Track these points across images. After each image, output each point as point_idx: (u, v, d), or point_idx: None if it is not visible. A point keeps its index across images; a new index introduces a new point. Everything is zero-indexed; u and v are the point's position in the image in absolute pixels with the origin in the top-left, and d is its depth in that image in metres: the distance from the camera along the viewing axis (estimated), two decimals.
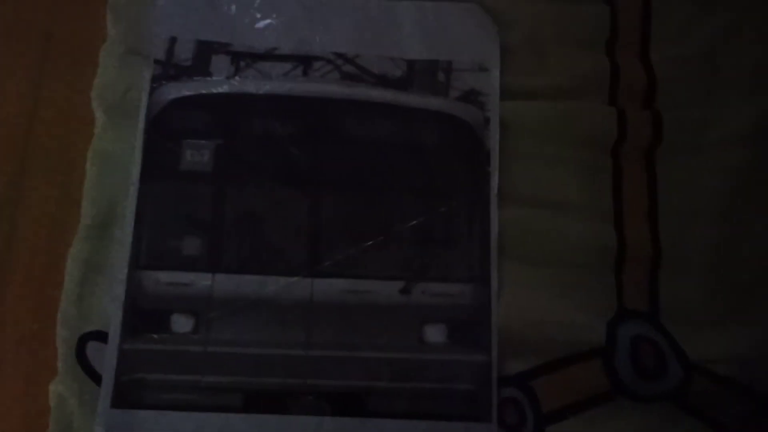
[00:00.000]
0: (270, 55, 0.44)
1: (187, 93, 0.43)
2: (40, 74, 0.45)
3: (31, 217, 0.42)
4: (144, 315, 0.40)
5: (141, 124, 0.42)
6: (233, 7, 0.45)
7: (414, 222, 0.42)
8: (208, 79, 0.43)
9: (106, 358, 0.39)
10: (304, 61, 0.44)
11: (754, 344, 0.40)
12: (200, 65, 0.44)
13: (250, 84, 0.43)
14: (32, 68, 0.45)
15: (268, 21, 0.45)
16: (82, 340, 0.40)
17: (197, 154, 0.42)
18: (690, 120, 0.44)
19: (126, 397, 0.39)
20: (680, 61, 0.45)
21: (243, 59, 0.44)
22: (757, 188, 0.42)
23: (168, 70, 0.43)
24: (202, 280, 0.40)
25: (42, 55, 0.45)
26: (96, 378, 0.39)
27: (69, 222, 0.42)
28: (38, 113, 0.44)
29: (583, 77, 0.45)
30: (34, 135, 0.44)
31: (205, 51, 0.44)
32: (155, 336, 0.39)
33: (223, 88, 0.43)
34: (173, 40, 0.44)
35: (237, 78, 0.43)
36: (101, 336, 0.40)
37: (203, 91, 0.43)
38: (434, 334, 0.40)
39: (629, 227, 0.43)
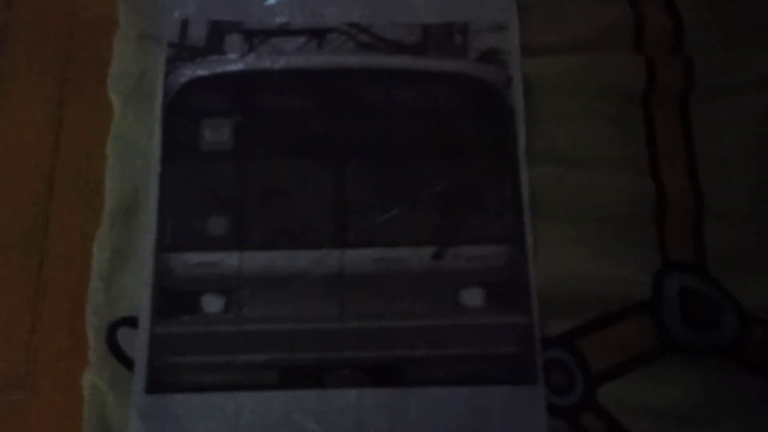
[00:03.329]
0: (283, 31, 0.44)
1: (202, 73, 0.42)
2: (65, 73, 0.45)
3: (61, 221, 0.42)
4: (173, 297, 0.39)
5: (158, 108, 0.42)
6: None
7: (440, 186, 0.41)
8: (223, 58, 0.43)
9: (137, 343, 0.38)
10: (318, 34, 0.44)
11: None
12: (214, 45, 0.43)
13: (265, 60, 0.43)
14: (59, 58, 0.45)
15: None
16: (113, 327, 0.39)
17: (217, 133, 0.41)
18: (721, 63, 0.42)
19: (160, 381, 0.38)
20: (706, 4, 0.43)
21: (256, 36, 0.43)
22: None
23: (182, 52, 0.43)
24: (230, 259, 0.39)
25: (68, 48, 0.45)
26: (129, 365, 0.38)
27: (93, 211, 0.42)
28: (65, 103, 0.44)
29: (605, 28, 0.43)
30: (63, 129, 0.44)
31: (218, 31, 0.43)
32: (186, 318, 0.39)
33: (238, 66, 0.43)
34: (186, 23, 0.43)
35: (251, 55, 0.43)
36: (132, 322, 0.39)
37: (218, 70, 0.42)
38: (471, 297, 0.39)
39: (667, 177, 0.41)
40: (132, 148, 0.42)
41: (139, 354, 0.38)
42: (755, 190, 0.40)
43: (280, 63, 0.43)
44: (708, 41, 0.43)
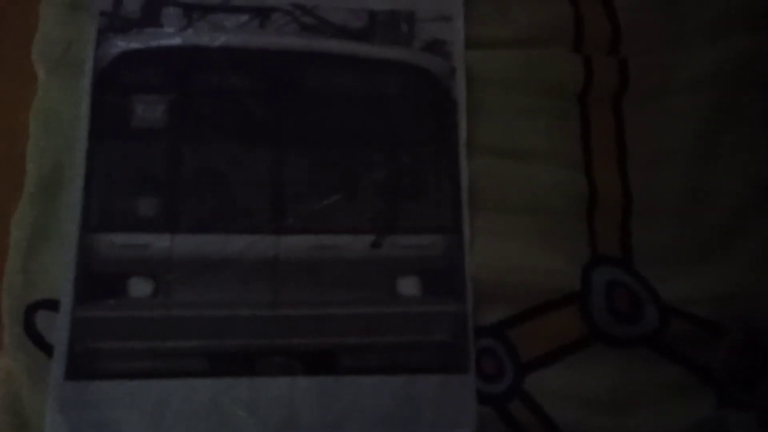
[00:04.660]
0: (224, 7, 0.42)
1: (136, 46, 0.40)
2: None
3: None
4: (98, 280, 0.37)
5: (87, 80, 0.40)
6: None
7: (380, 174, 0.40)
8: (159, 31, 0.41)
9: (57, 327, 0.36)
10: (261, 13, 0.42)
11: (728, 284, 0.40)
12: (150, 17, 0.41)
13: (203, 36, 0.41)
14: None
15: None
16: (30, 310, 0.37)
17: (149, 110, 0.40)
18: (655, 65, 0.44)
19: (81, 368, 0.36)
20: (643, 7, 0.44)
21: (195, 11, 0.42)
22: (723, 131, 0.42)
23: (115, 22, 0.41)
24: (160, 242, 0.38)
25: None
26: (47, 350, 0.36)
27: (14, 188, 0.39)
28: None
29: (547, 25, 0.44)
30: None
31: (155, 3, 0.41)
32: (111, 302, 0.37)
33: (175, 41, 0.41)
34: None
35: (189, 30, 0.41)
36: (52, 305, 0.37)
37: (153, 44, 0.41)
38: (407, 286, 0.39)
39: (599, 174, 0.42)
40: (56, 122, 0.39)
41: (59, 338, 0.36)
42: (679, 189, 0.42)
43: (220, 40, 0.41)
44: (643, 44, 0.44)
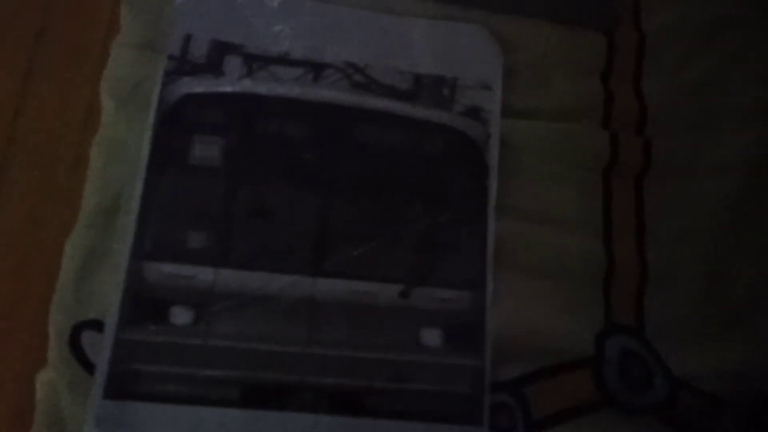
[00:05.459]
0: (282, 59, 0.45)
1: (199, 89, 0.43)
2: (30, 71, 0.45)
3: (13, 209, 0.42)
4: (143, 305, 0.39)
5: (152, 116, 0.42)
6: (249, 11, 0.46)
7: (416, 228, 0.43)
8: (221, 78, 0.44)
9: (102, 346, 0.38)
10: (316, 68, 0.45)
11: (740, 362, 0.42)
12: (213, 64, 0.44)
13: (261, 85, 0.44)
14: (22, 65, 0.45)
15: (282, 26, 0.46)
16: (77, 329, 0.39)
17: (207, 149, 0.42)
18: (679, 148, 0.46)
19: (120, 387, 0.38)
20: (671, 92, 0.47)
21: (256, 61, 0.45)
22: (745, 216, 0.45)
23: (182, 66, 0.44)
24: (205, 274, 0.40)
25: (33, 51, 0.45)
26: (89, 369, 0.38)
27: (51, 214, 0.42)
28: (25, 108, 0.44)
29: (579, 102, 0.47)
30: (21, 129, 0.44)
31: (219, 50, 0.45)
32: (153, 327, 0.39)
33: (235, 88, 0.44)
34: (188, 38, 0.44)
35: (249, 79, 0.44)
36: (97, 325, 0.39)
37: (216, 89, 0.44)
38: (431, 337, 0.41)
39: (617, 245, 0.45)
40: (119, 152, 0.42)
41: (102, 358, 0.38)
42: (697, 267, 0.44)
43: (277, 90, 0.44)
44: (669, 126, 0.47)
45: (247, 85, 0.44)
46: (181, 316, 0.40)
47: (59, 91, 0.45)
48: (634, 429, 0.41)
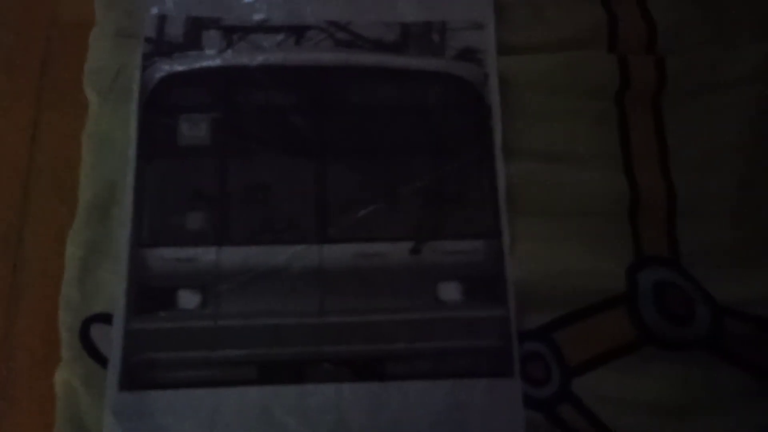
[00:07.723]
0: (261, 27, 0.44)
1: (179, 68, 0.42)
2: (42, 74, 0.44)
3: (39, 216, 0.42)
4: (149, 293, 0.38)
5: (134, 103, 0.41)
6: None
7: (420, 182, 0.41)
8: (201, 53, 0.43)
9: (112, 339, 0.38)
10: (297, 31, 0.44)
11: None
12: (192, 41, 0.43)
13: (243, 56, 0.43)
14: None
15: None
16: (87, 324, 0.38)
17: (195, 128, 0.41)
18: (695, 62, 0.43)
19: (135, 378, 0.37)
20: (680, 7, 0.44)
21: (234, 33, 0.43)
22: None
23: (160, 47, 0.43)
24: (207, 255, 0.39)
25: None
26: (103, 362, 0.38)
27: (69, 208, 0.41)
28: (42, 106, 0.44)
29: (580, 29, 0.44)
30: (40, 134, 0.43)
31: (196, 27, 0.43)
32: (162, 314, 0.38)
33: (216, 62, 0.42)
34: (163, 18, 0.43)
35: (229, 51, 0.43)
36: (106, 318, 0.38)
37: (196, 66, 0.42)
38: (449, 291, 0.39)
39: (640, 174, 0.42)
40: (108, 144, 0.41)
41: (114, 350, 0.37)
42: (726, 187, 0.41)
43: (259, 59, 0.43)
44: (681, 42, 0.44)
45: (228, 58, 0.43)
46: (188, 300, 0.38)
47: None
48: (680, 365, 0.38)
